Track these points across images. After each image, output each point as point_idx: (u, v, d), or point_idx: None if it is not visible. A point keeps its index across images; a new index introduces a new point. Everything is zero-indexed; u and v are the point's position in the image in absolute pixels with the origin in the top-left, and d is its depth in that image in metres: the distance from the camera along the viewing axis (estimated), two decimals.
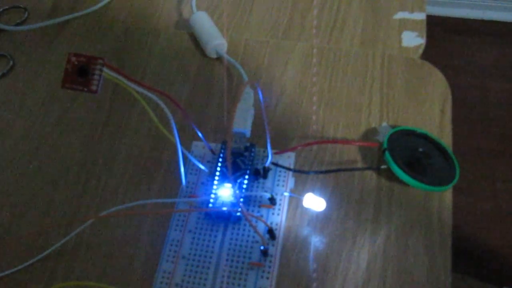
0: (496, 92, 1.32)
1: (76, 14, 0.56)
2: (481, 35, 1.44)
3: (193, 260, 0.38)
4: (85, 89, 0.37)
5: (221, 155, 0.42)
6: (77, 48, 0.53)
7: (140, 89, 0.37)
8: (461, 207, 1.10)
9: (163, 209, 0.42)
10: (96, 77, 0.37)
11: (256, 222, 0.39)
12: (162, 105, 0.38)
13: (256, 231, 0.38)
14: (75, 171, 0.45)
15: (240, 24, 0.54)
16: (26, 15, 0.57)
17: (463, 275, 0.90)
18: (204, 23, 0.52)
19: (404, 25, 0.54)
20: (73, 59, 0.37)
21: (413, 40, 0.52)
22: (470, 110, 1.27)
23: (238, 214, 0.39)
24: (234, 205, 0.39)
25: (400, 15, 0.55)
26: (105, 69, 0.37)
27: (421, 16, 0.55)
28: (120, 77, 0.37)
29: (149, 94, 0.37)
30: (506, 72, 1.36)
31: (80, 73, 0.37)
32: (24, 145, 0.47)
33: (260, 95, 0.34)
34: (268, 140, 0.38)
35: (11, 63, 0.53)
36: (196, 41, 0.52)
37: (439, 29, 1.44)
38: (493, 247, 1.05)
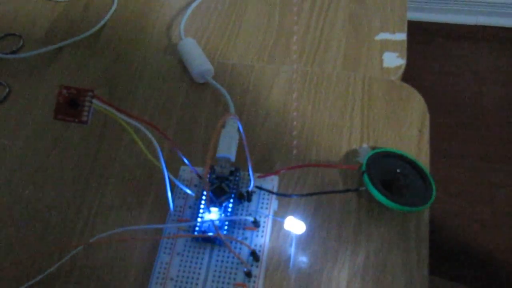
0: (491, 96, 1.33)
1: (68, 41, 0.58)
2: (475, 40, 1.46)
3: (181, 282, 0.40)
4: (76, 120, 0.39)
5: (207, 180, 0.44)
6: (70, 74, 0.55)
7: (129, 119, 0.39)
8: (458, 213, 1.11)
9: (152, 233, 0.43)
10: (86, 108, 0.39)
11: (240, 245, 0.41)
12: (150, 135, 0.40)
13: (235, 255, 0.40)
14: (68, 197, 0.47)
15: (227, 49, 0.56)
16: (21, 42, 0.59)
17: (457, 282, 0.92)
18: (191, 49, 0.54)
19: (385, 46, 0.56)
20: (64, 91, 0.39)
21: (394, 60, 0.54)
22: (466, 115, 1.29)
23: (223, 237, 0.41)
24: (219, 228, 0.41)
25: (381, 36, 0.57)
26: (94, 101, 0.39)
27: (401, 36, 0.56)
28: (109, 108, 0.39)
29: (138, 124, 0.39)
30: (500, 77, 1.37)
31: (71, 105, 0.39)
32: (20, 171, 0.49)
33: (240, 128, 0.36)
34: (250, 167, 0.40)
35: (7, 90, 0.55)
36: (184, 67, 0.54)
37: (434, 35, 1.45)
38: (491, 253, 1.07)
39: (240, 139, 0.45)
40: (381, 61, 0.54)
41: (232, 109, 0.50)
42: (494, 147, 1.23)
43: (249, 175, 0.44)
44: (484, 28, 1.48)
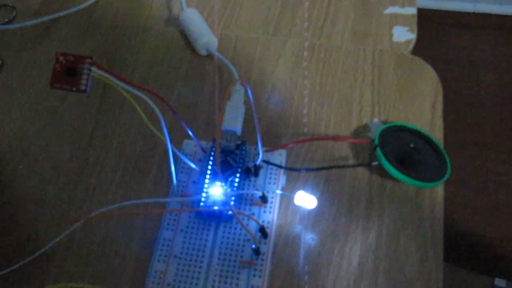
0: (488, 85, 1.32)
1: (64, 12, 0.55)
2: (473, 28, 1.44)
3: (185, 259, 0.38)
4: (74, 89, 0.36)
5: (212, 153, 0.42)
6: (66, 46, 0.53)
7: (130, 88, 0.36)
8: (454, 200, 1.10)
9: (155, 208, 0.41)
10: (84, 76, 0.36)
11: (248, 220, 0.39)
12: (152, 104, 0.37)
13: (247, 230, 0.38)
14: (66, 171, 0.44)
15: (231, 20, 0.54)
16: (14, 13, 0.56)
17: (456, 267, 0.91)
18: (194, 20, 0.51)
19: (395, 20, 0.54)
20: (61, 58, 0.36)
21: (404, 35, 0.52)
22: (463, 103, 1.27)
23: (230, 212, 0.39)
24: (225, 203, 0.39)
25: (390, 9, 0.54)
26: (93, 69, 0.36)
27: (411, 10, 0.54)
28: (109, 76, 0.36)
29: (139, 93, 0.37)
30: (498, 64, 1.36)
31: (68, 73, 0.36)
32: (15, 145, 0.46)
33: (250, 95, 0.34)
34: (259, 139, 0.38)
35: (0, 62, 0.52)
36: (186, 38, 0.52)
37: (431, 22, 1.44)
38: (486, 240, 1.06)
39: (247, 111, 0.43)
40: (391, 35, 0.52)
41: None
42: (491, 135, 1.22)
43: (255, 149, 0.42)
44: (482, 15, 1.47)
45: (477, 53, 1.39)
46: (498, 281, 0.83)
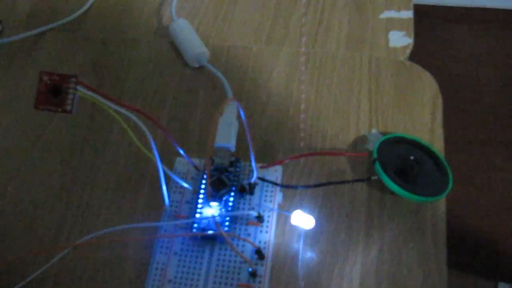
0: (488, 80, 1.30)
1: (51, 26, 0.54)
2: (470, 23, 1.43)
3: (180, 283, 0.37)
4: (59, 109, 0.35)
5: (206, 171, 0.40)
6: (53, 61, 0.51)
7: (118, 108, 0.35)
8: (456, 199, 1.09)
9: (147, 231, 0.40)
10: (70, 96, 0.35)
11: (243, 241, 0.38)
12: (141, 124, 0.36)
13: (241, 256, 0.36)
14: (56, 193, 0.43)
15: (222, 30, 0.53)
16: (0, 28, 0.55)
17: (457, 270, 0.89)
18: (184, 31, 0.50)
19: (391, 24, 0.52)
20: (45, 78, 0.35)
21: (401, 40, 0.51)
22: (462, 99, 1.26)
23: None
24: (220, 224, 0.37)
25: (386, 14, 0.53)
26: (79, 88, 0.35)
27: (408, 14, 0.53)
28: (96, 96, 0.35)
29: (127, 113, 0.36)
30: (497, 59, 1.35)
31: (53, 93, 0.35)
32: (1, 166, 0.45)
33: (242, 114, 0.32)
34: (253, 157, 0.36)
35: None
36: (176, 50, 0.50)
37: (428, 18, 1.42)
38: (489, 239, 1.05)
39: (241, 126, 0.42)
40: (387, 40, 0.51)
41: (229, 94, 0.46)
42: (491, 131, 1.20)
43: (250, 165, 0.41)
44: (481, 10, 1.45)
45: (477, 48, 1.37)
46: (502, 285, 0.82)
